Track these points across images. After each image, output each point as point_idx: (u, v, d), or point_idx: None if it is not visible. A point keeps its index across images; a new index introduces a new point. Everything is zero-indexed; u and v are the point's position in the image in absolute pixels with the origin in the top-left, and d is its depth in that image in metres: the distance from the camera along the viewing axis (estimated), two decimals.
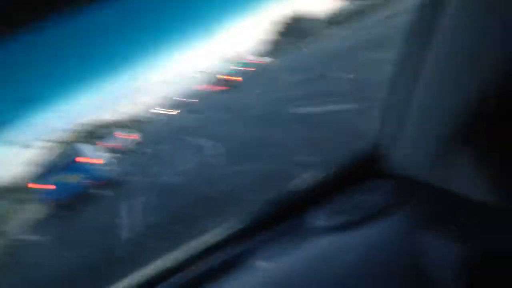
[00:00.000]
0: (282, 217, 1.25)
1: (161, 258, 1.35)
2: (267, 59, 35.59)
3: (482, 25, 0.64)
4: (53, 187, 11.17)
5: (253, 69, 33.83)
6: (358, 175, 1.18)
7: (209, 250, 1.28)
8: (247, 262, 1.18)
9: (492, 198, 0.82)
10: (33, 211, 13.30)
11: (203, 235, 1.35)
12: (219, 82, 33.12)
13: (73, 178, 11.09)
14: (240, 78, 30.77)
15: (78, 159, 11.65)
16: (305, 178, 1.28)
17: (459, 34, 0.69)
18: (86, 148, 12.99)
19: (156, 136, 21.17)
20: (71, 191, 10.87)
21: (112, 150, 21.51)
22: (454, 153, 0.86)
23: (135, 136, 24.25)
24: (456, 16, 0.68)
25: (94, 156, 12.30)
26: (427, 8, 0.75)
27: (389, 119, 1.02)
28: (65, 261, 6.10)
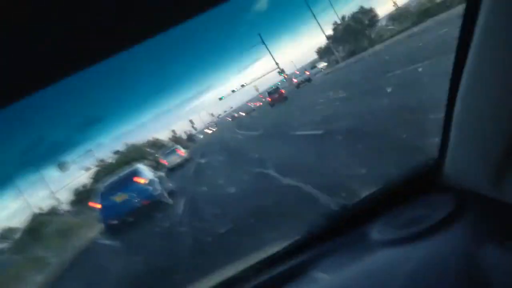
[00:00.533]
0: (341, 230, 1.27)
1: (223, 269, 1.41)
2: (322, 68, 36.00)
3: None
4: (111, 205, 11.60)
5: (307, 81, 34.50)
6: (417, 189, 1.18)
7: (271, 261, 1.32)
8: (308, 274, 1.20)
9: None
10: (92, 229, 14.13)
11: (265, 247, 1.40)
12: (271, 95, 34.00)
13: (130, 197, 11.51)
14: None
15: (136, 179, 12.11)
16: (364, 192, 1.30)
17: (501, 50, 0.70)
18: (142, 168, 13.53)
19: (209, 151, 22.25)
20: (128, 210, 11.20)
21: (168, 167, 23.32)
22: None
23: (187, 153, 25.41)
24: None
25: (150, 176, 12.65)
26: (475, 17, 0.75)
27: (448, 133, 1.03)
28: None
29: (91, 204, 12.77)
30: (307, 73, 38.35)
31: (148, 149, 34.03)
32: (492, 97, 0.81)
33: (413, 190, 1.19)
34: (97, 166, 28.98)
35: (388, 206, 1.19)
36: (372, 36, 28.06)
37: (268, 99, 35.89)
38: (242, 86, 47.22)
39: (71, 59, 0.70)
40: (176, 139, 40.90)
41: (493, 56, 0.74)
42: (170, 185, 13.27)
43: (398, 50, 17.72)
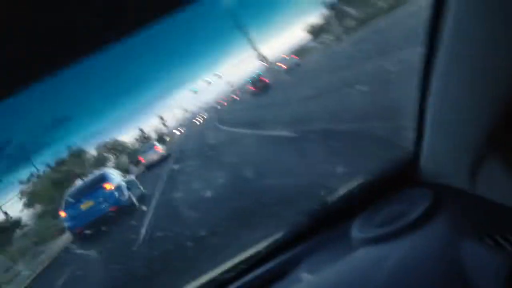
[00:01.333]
0: (322, 228, 1.27)
1: (205, 272, 1.39)
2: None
3: (496, 30, 0.65)
4: (76, 213, 11.21)
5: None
6: (395, 185, 1.19)
7: (253, 262, 1.32)
8: (291, 273, 1.21)
9: None
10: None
11: (247, 248, 1.39)
12: (253, 84, 32.55)
13: (96, 204, 11.17)
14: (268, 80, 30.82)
15: (103, 184, 11.72)
16: (342, 189, 1.31)
17: (475, 41, 0.70)
18: (110, 172, 13.19)
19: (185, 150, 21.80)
20: (94, 218, 10.86)
21: (145, 165, 22.76)
22: (488, 160, 0.87)
23: (165, 150, 24.56)
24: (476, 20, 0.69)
25: (118, 180, 12.25)
26: (447, 12, 0.73)
27: (424, 128, 1.04)
28: None
29: (60, 212, 12.18)
30: (296, 58, 36.16)
31: (106, 155, 31.60)
32: (467, 90, 0.81)
33: (390, 186, 1.20)
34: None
35: (366, 203, 1.20)
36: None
37: (251, 88, 34.00)
38: (218, 76, 45.44)
39: (43, 61, 0.68)
40: (144, 140, 39.26)
41: (468, 47, 0.74)
42: (140, 188, 12.91)
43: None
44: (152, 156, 23.39)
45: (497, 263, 0.75)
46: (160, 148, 24.65)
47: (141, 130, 38.51)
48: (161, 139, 32.79)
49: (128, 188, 12.06)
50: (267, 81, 33.25)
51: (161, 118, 39.46)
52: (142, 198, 11.86)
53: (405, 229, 1.00)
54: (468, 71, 0.78)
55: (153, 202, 10.36)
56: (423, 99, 0.97)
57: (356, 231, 1.12)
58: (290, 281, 1.19)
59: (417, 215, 1.01)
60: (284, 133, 8.76)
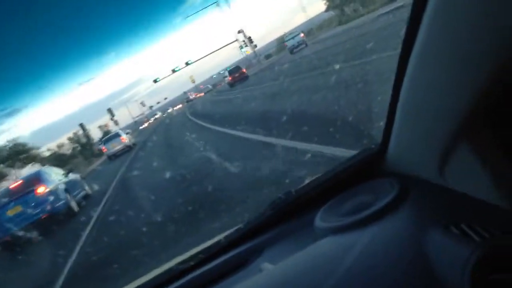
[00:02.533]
0: (285, 218, 1.25)
1: (166, 261, 1.35)
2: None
3: (472, 21, 0.64)
4: (3, 219, 9.76)
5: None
6: (362, 175, 1.19)
7: (213, 251, 1.29)
8: (253, 263, 1.18)
9: (494, 197, 0.83)
10: None
11: (206, 238, 1.35)
12: (232, 74, 32.43)
13: (25, 209, 9.82)
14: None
15: (35, 186, 10.27)
16: (308, 179, 1.30)
17: (452, 31, 0.69)
18: (46, 171, 11.59)
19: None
20: (22, 225, 9.56)
21: (107, 154, 22.40)
22: (456, 151, 0.87)
23: (130, 140, 23.87)
24: (445, 13, 0.69)
25: (55, 181, 10.83)
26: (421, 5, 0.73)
27: (393, 117, 1.04)
28: None
29: None
30: (302, 35, 35.02)
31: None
32: (437, 82, 0.81)
33: (357, 177, 1.19)
34: None
35: (331, 192, 1.18)
36: None
37: (229, 78, 33.58)
38: (187, 64, 42.67)
39: None
40: (77, 141, 36.65)
41: (442, 39, 0.74)
42: (85, 189, 12.06)
43: None
44: (115, 146, 22.47)
45: (462, 251, 0.75)
46: (125, 138, 23.57)
47: (82, 126, 35.92)
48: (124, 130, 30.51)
49: (68, 190, 10.76)
50: (245, 71, 32.73)
51: (110, 112, 37.58)
52: (87, 201, 11.03)
53: (369, 218, 0.99)
54: (440, 63, 0.77)
55: (102, 204, 9.38)
56: (395, 90, 0.97)
57: (320, 221, 1.10)
58: (250, 270, 1.16)
59: (383, 205, 1.00)
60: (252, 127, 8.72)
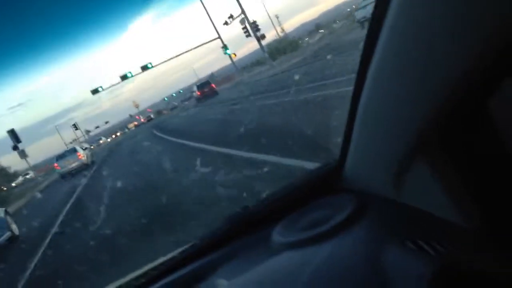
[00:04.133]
0: (242, 233, 1.24)
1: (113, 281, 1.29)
2: None
3: (429, 40, 0.65)
4: None
5: None
6: (319, 191, 1.19)
7: (166, 268, 1.25)
8: (206, 280, 1.15)
9: (449, 213, 0.85)
10: None
11: (159, 254, 1.30)
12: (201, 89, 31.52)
13: None
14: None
15: None
16: (265, 194, 1.29)
17: (408, 49, 0.70)
18: None
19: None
20: None
21: (60, 173, 20.45)
22: (412, 168, 0.88)
23: (87, 157, 21.98)
24: (402, 26, 0.69)
25: None
26: (380, 13, 0.73)
27: (350, 134, 1.04)
28: None
29: None
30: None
31: None
32: (394, 98, 0.81)
33: (314, 193, 1.19)
34: None
35: (289, 208, 1.17)
36: None
37: (197, 93, 32.87)
38: (144, 68, 36.03)
39: None
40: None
41: (398, 59, 0.74)
42: (12, 229, 9.47)
43: None
44: (70, 163, 20.45)
45: (419, 267, 0.75)
46: (82, 155, 21.46)
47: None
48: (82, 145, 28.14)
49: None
50: (214, 86, 32.30)
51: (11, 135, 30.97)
52: (12, 245, 8.95)
53: (327, 234, 0.98)
54: (396, 79, 0.78)
55: (37, 247, 7.57)
56: (353, 105, 0.98)
57: (277, 236, 1.09)
58: (205, 286, 1.12)
59: (340, 221, 1.00)
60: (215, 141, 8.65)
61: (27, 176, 42.01)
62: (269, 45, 40.95)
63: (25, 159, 32.56)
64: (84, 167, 20.19)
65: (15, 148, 31.53)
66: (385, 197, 1.01)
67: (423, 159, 0.85)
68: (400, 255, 0.82)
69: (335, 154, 1.16)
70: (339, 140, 1.12)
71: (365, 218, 1.00)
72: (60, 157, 21.39)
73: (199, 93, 33.23)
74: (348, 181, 1.14)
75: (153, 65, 37.22)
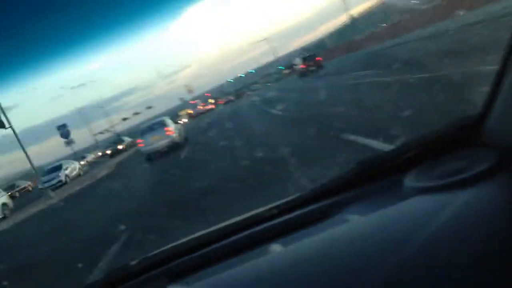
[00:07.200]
0: (372, 178, 1.26)
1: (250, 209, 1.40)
2: None
3: None
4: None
5: None
6: (457, 143, 1.17)
7: (296, 204, 1.33)
8: (338, 215, 1.21)
9: None
10: None
11: (293, 191, 1.38)
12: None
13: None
14: None
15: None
16: (399, 142, 1.30)
17: None
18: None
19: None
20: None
21: (145, 152, 16.47)
22: None
23: (179, 132, 17.70)
24: None
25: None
26: None
27: (498, 86, 1.01)
28: None
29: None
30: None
31: None
32: None
33: (451, 144, 1.17)
34: None
35: (423, 157, 1.17)
36: None
37: (301, 66, 30.27)
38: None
39: None
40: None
41: None
42: None
43: None
44: (157, 140, 16.04)
45: None
46: (172, 130, 16.69)
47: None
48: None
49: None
50: (320, 59, 29.38)
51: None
52: None
53: (464, 183, 0.97)
54: None
55: None
56: (505, 59, 0.94)
57: (411, 181, 1.10)
58: (334, 221, 1.19)
59: (479, 171, 0.98)
60: None
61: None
62: None
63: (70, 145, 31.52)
64: (175, 146, 16.14)
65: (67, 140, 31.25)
66: None
67: None
68: None
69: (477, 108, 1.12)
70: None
71: (506, 173, 0.97)
72: (145, 131, 17.01)
73: (303, 66, 31.08)
74: (490, 135, 1.10)
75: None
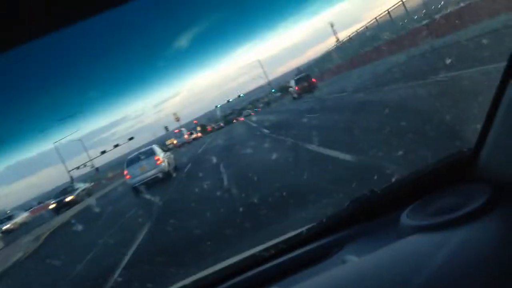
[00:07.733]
0: (368, 215, 1.26)
1: (244, 250, 1.40)
2: None
3: None
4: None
5: None
6: (451, 178, 1.17)
7: (293, 243, 1.32)
8: (335, 256, 1.20)
9: None
10: None
11: (288, 230, 1.37)
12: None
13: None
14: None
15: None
16: (395, 177, 1.30)
17: None
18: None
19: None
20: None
21: (130, 183, 14.17)
22: None
23: (168, 162, 15.08)
24: None
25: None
26: None
27: (491, 122, 1.02)
28: None
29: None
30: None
31: None
32: None
33: (445, 179, 1.17)
34: None
35: (418, 193, 1.17)
36: None
37: (296, 88, 28.43)
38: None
39: None
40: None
41: None
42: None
43: None
44: (144, 171, 14.35)
45: None
46: (161, 159, 14.77)
47: None
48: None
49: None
50: (314, 81, 28.29)
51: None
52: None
53: (461, 220, 0.97)
54: None
55: None
56: (497, 95, 0.96)
57: (406, 219, 1.10)
58: (333, 262, 1.18)
59: (475, 208, 0.98)
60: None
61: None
62: None
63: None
64: (163, 176, 14.48)
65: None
66: None
67: None
68: None
69: (470, 143, 1.13)
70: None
71: (499, 208, 0.97)
72: (132, 161, 15.18)
73: (297, 88, 29.23)
74: (482, 170, 1.11)
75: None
